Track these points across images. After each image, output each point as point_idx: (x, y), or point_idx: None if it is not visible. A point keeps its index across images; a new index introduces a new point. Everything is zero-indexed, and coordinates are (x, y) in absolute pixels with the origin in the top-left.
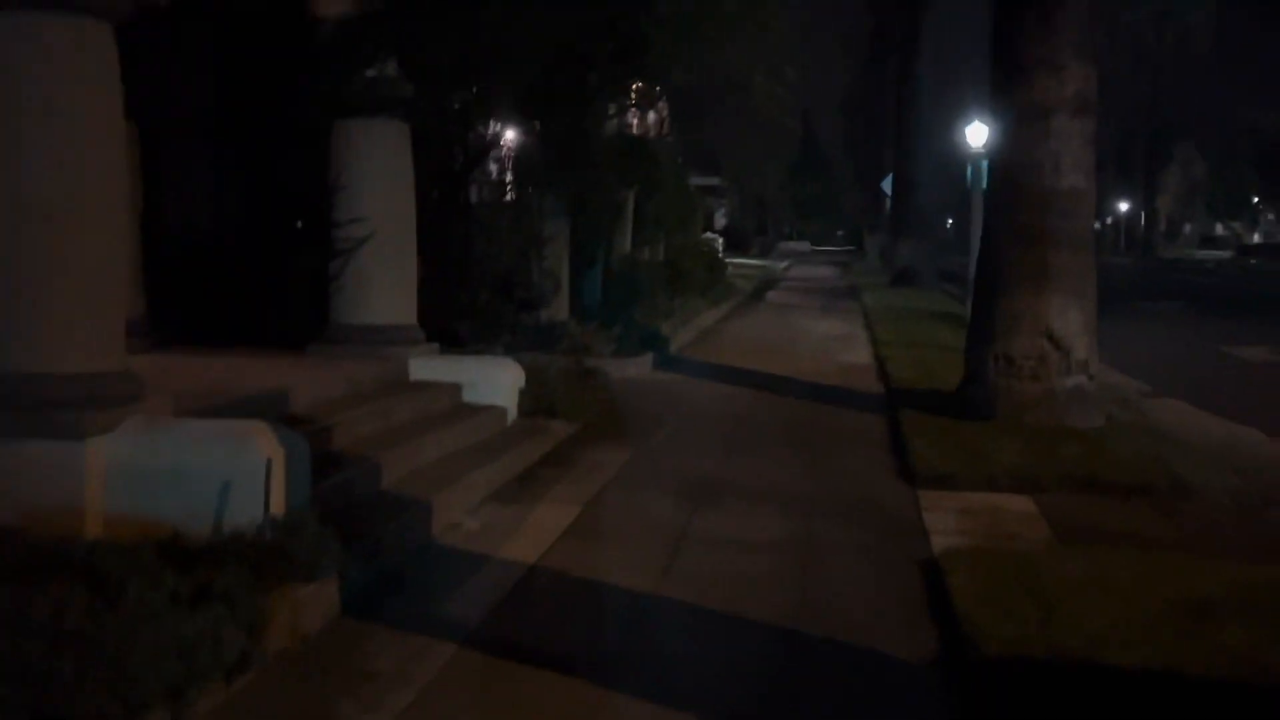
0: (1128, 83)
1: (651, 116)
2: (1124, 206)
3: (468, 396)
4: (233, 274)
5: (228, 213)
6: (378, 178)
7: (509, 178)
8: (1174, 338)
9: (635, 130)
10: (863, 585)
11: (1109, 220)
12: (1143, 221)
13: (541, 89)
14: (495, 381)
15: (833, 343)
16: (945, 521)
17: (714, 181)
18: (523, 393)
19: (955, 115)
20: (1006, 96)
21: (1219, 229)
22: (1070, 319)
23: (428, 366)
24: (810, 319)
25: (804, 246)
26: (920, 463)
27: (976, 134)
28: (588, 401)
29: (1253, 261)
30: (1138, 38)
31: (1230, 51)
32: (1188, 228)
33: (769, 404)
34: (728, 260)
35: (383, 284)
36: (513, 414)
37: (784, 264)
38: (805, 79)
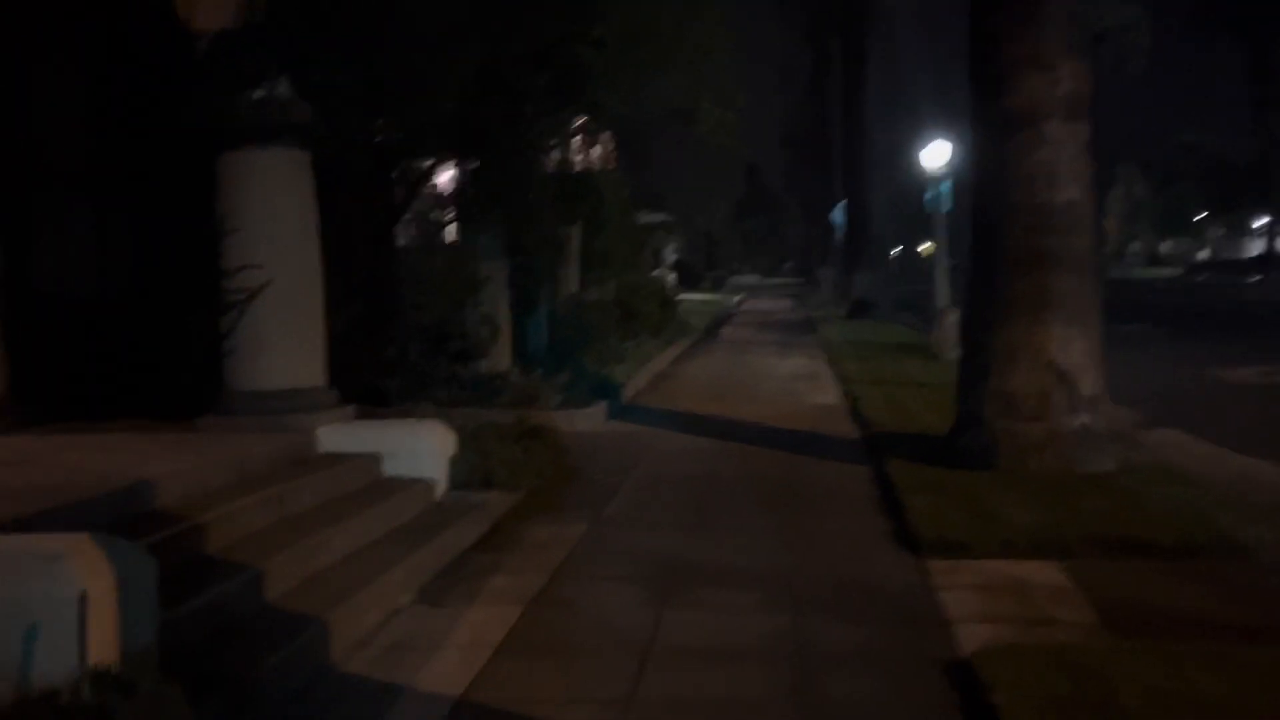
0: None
1: (597, 151)
2: None
3: (389, 469)
4: (115, 337)
5: (108, 267)
6: (273, 218)
7: (444, 217)
8: (1152, 361)
9: (580, 166)
10: (880, 709)
11: None
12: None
13: (471, 121)
14: (421, 449)
15: (797, 382)
16: (965, 603)
17: (662, 218)
18: (455, 460)
19: (907, 139)
20: (989, 103)
21: (1165, 247)
22: (1074, 350)
23: (340, 435)
24: (770, 356)
25: (754, 279)
26: (922, 526)
27: (934, 154)
28: (532, 464)
29: (1200, 278)
30: None
31: (1166, 72)
32: (1135, 246)
33: (737, 457)
34: (680, 296)
35: (282, 341)
36: (443, 486)
37: (736, 298)
38: (747, 108)
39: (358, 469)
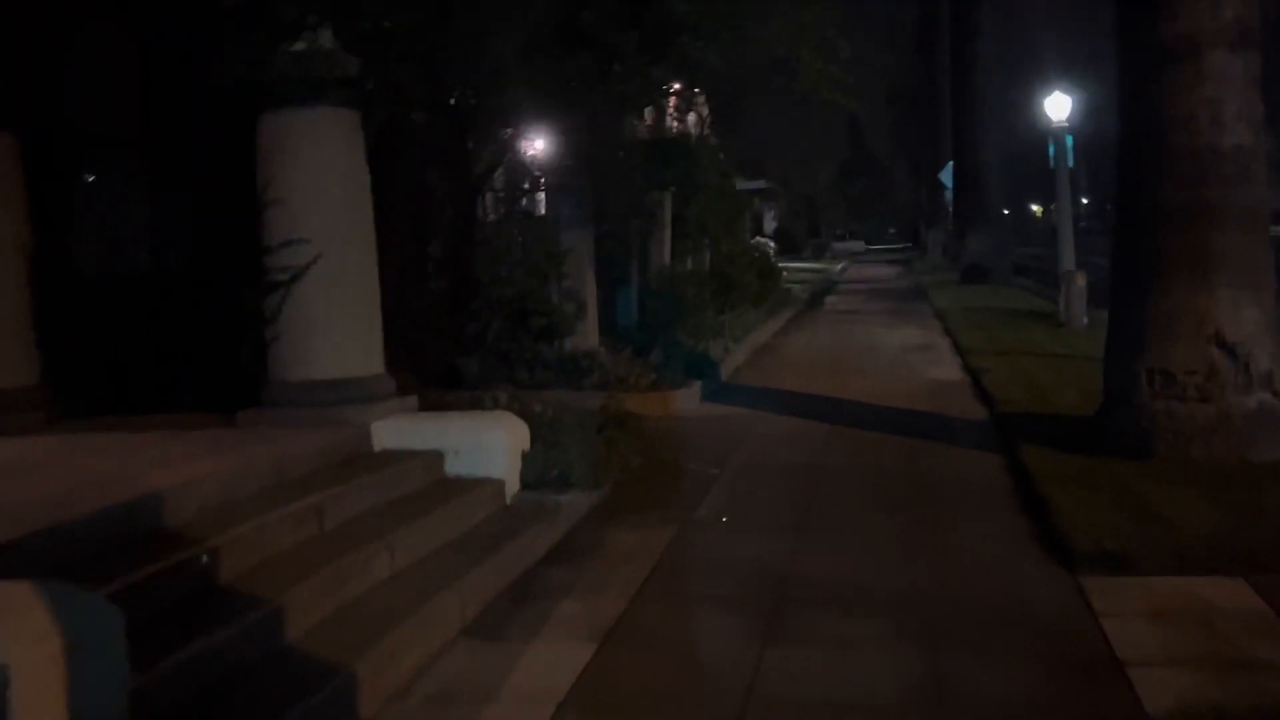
0: None
1: (692, 117)
2: None
3: (452, 468)
4: (157, 322)
5: (151, 246)
6: (319, 187)
7: (524, 185)
8: None
9: (675, 131)
10: None
11: None
12: None
13: (551, 79)
14: (489, 444)
15: (911, 354)
16: (1140, 637)
17: (761, 184)
18: (529, 456)
19: (1022, 94)
20: (1141, 31)
21: None
22: (1245, 318)
23: (398, 430)
24: (879, 326)
25: (858, 246)
26: (1074, 532)
27: (1056, 106)
28: (617, 457)
29: None
30: None
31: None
32: None
33: (847, 443)
34: (781, 264)
35: (332, 325)
36: (513, 487)
37: (840, 265)
38: (851, 65)
39: (416, 469)
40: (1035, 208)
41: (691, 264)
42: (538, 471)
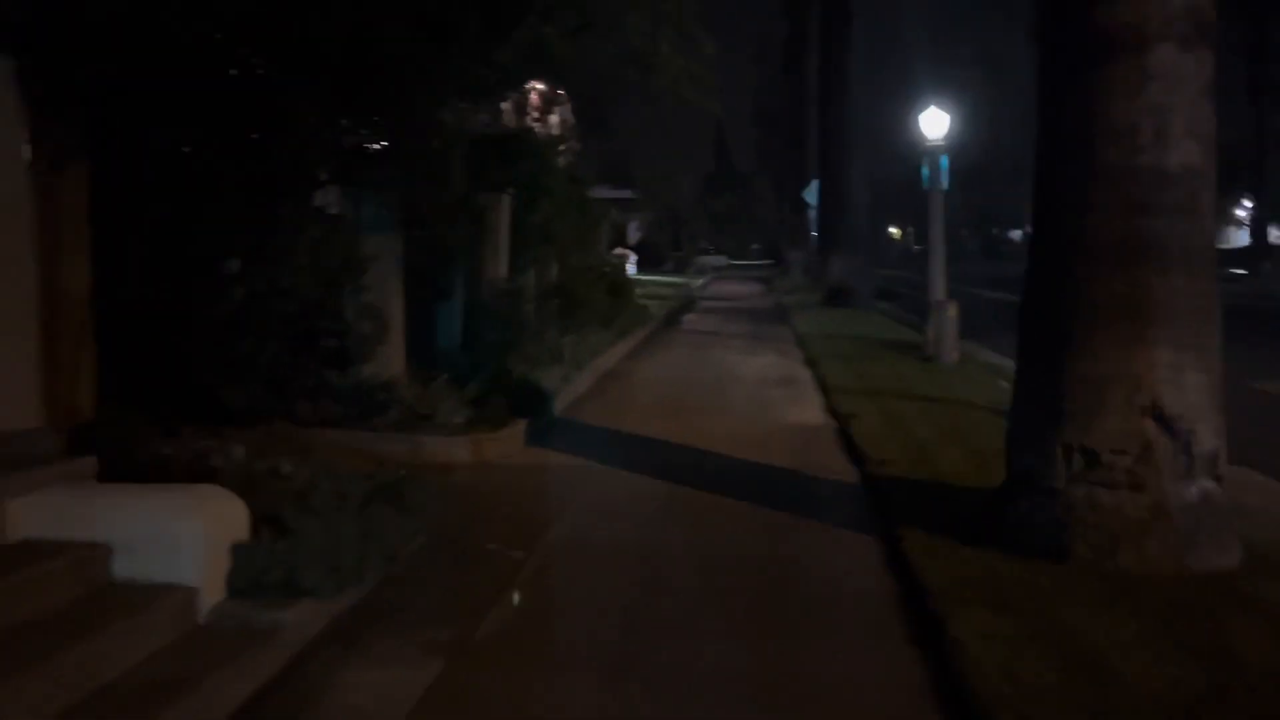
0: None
1: (555, 119)
2: None
3: (121, 569)
4: None
5: None
6: None
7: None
8: None
9: (520, 128)
10: None
11: (1029, 230)
12: None
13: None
14: (176, 538)
15: (770, 389)
16: None
17: (626, 195)
18: (245, 548)
19: (891, 112)
20: (1072, 20)
21: None
22: (1189, 384)
23: (54, 512)
24: (737, 352)
25: (721, 261)
26: (985, 692)
27: (932, 123)
28: (383, 540)
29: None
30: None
31: None
32: None
33: (692, 513)
34: (641, 277)
35: None
36: (213, 596)
37: (701, 281)
38: (717, 81)
39: (60, 573)
40: (893, 230)
41: (534, 278)
42: (257, 569)
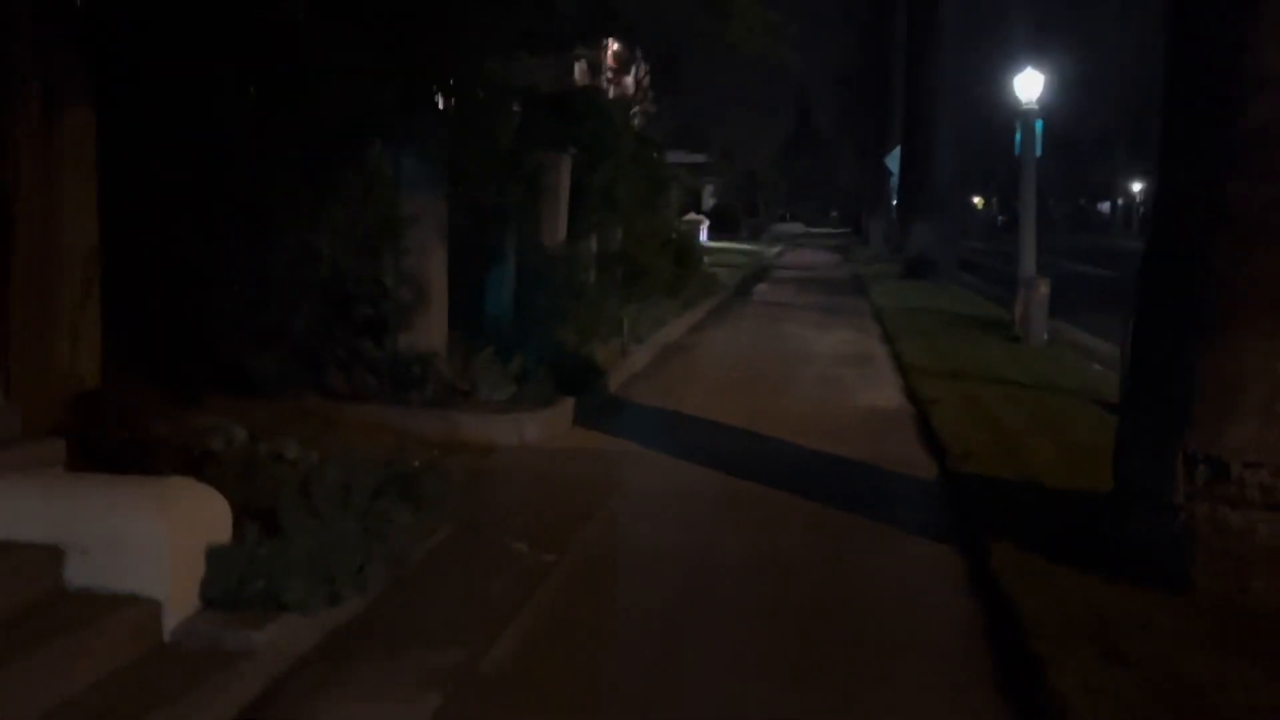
0: (1144, 55)
1: (629, 80)
2: (1137, 187)
3: (76, 576)
4: None
5: None
6: None
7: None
8: None
9: (586, 86)
10: None
11: (1119, 201)
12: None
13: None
14: (135, 541)
15: (844, 367)
16: None
17: (701, 159)
18: (223, 552)
19: (975, 76)
20: None
21: None
22: None
23: (5, 506)
24: (810, 326)
25: (797, 228)
26: None
27: (1027, 84)
28: (390, 540)
29: None
30: (1156, 5)
31: None
32: None
33: (749, 513)
34: (712, 245)
35: None
36: (183, 609)
37: (776, 249)
38: (800, 39)
39: (5, 579)
40: (976, 199)
41: (597, 243)
42: (235, 578)
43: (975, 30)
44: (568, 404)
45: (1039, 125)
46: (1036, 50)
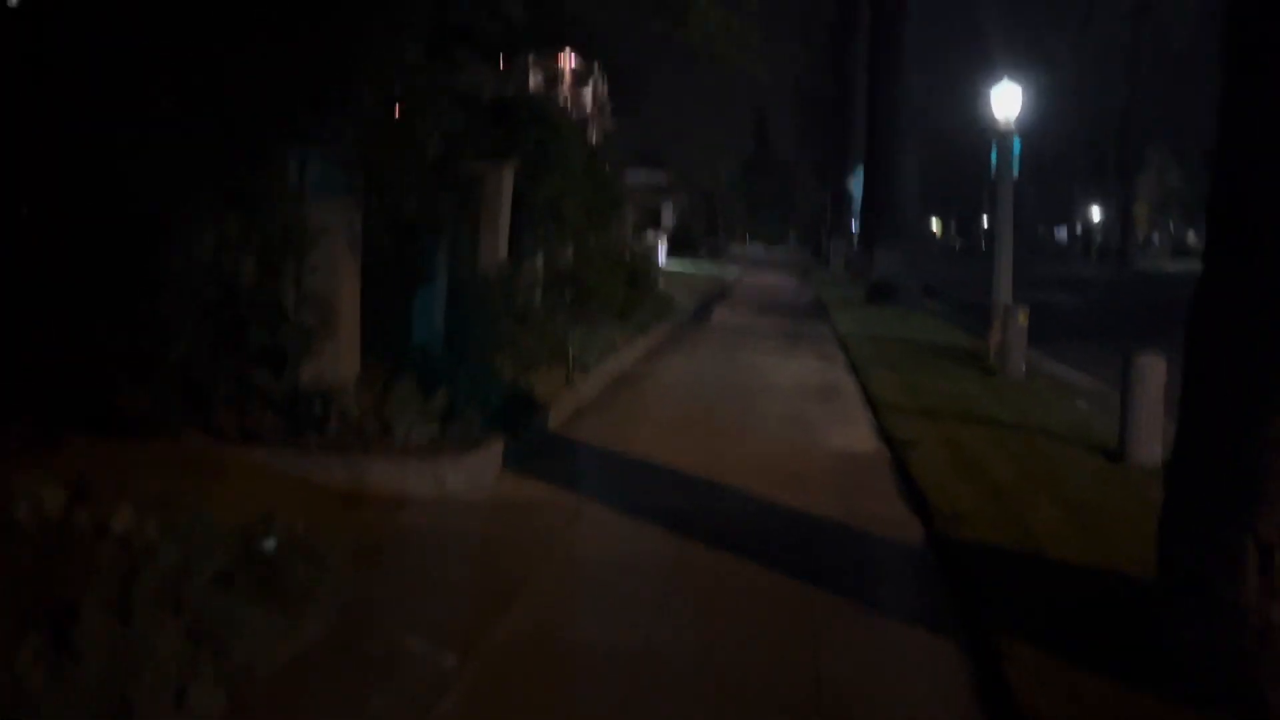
0: (1102, 82)
1: (587, 94)
2: (1095, 214)
3: None
4: None
5: None
6: None
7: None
8: None
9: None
10: None
11: (1078, 228)
12: (1118, 230)
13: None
14: None
15: (810, 402)
16: None
17: (660, 178)
18: None
19: (937, 99)
20: None
21: (1191, 238)
22: None
23: None
24: (771, 354)
25: (757, 250)
26: None
27: (1005, 100)
28: (234, 643)
29: None
30: (1113, 34)
31: (1211, 48)
32: (1155, 236)
33: (706, 594)
34: (671, 264)
35: None
36: None
37: (735, 270)
38: (761, 28)
39: None
40: (933, 223)
41: (544, 262)
42: None
43: (934, 53)
44: (497, 446)
45: (1016, 144)
46: (991, 74)
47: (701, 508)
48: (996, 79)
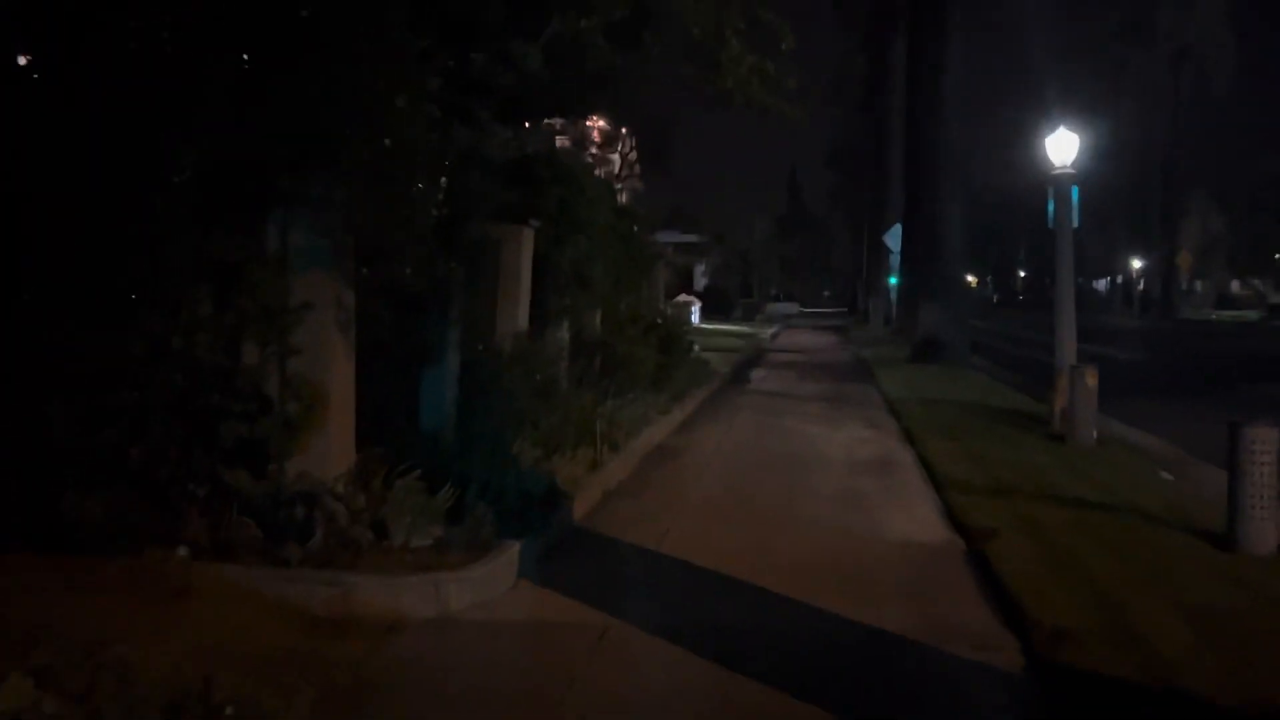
0: (1141, 128)
1: (615, 156)
2: (1136, 264)
3: None
4: None
5: None
6: None
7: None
8: None
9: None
10: None
11: (1118, 278)
12: (1160, 279)
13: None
14: None
15: (864, 478)
16: None
17: (693, 239)
18: None
19: (972, 152)
20: None
21: (1235, 287)
22: None
23: None
24: (816, 421)
25: (792, 308)
26: None
27: (1061, 146)
28: None
29: None
30: (1152, 79)
31: (1251, 93)
32: (1198, 285)
33: None
34: (705, 326)
35: None
36: None
37: (771, 330)
38: (795, 62)
39: None
40: (970, 277)
41: (568, 331)
42: None
43: (968, 106)
44: (512, 551)
45: (1075, 191)
46: (1031, 126)
47: (750, 625)
48: (1051, 127)
